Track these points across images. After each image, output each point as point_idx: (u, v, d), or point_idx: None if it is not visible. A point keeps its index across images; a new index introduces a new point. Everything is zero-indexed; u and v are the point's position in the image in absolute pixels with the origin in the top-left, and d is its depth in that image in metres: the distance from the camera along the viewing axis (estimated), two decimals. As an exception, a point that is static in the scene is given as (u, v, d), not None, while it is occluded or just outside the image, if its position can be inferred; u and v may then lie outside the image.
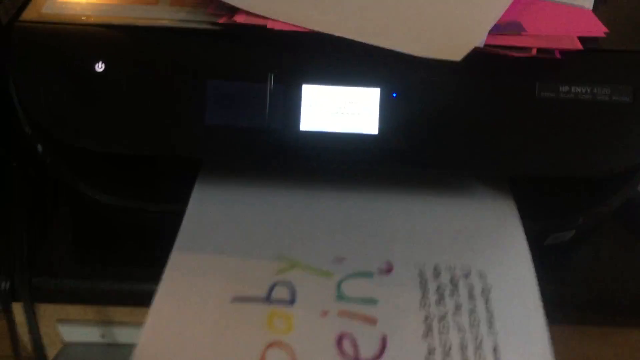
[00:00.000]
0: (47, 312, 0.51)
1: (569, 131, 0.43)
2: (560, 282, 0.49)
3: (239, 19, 0.42)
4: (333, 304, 0.38)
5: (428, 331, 0.37)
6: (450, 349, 0.36)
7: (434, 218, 0.45)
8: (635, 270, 0.50)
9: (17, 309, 0.49)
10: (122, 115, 0.42)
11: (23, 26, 0.42)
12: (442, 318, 0.38)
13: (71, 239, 0.51)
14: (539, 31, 0.43)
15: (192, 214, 0.44)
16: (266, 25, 0.42)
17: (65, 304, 0.50)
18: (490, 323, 0.37)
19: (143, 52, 0.42)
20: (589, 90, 0.42)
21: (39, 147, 0.44)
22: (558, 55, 0.41)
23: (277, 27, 0.42)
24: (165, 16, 0.44)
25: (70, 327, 0.52)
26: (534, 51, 0.41)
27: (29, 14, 0.43)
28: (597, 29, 0.44)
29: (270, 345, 0.36)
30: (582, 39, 0.43)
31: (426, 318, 0.38)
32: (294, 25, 0.42)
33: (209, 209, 0.45)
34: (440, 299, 0.39)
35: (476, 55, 0.40)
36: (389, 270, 0.40)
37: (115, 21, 0.43)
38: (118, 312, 0.51)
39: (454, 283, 0.39)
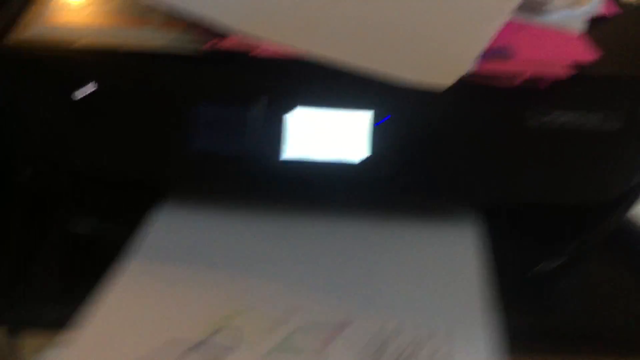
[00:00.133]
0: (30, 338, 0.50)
1: (559, 159, 0.42)
2: (547, 311, 0.48)
3: (226, 43, 0.42)
4: (278, 356, 0.36)
5: None
6: None
7: (403, 269, 0.43)
8: (625, 299, 0.49)
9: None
10: (103, 140, 0.42)
11: (8, 49, 0.42)
12: None
13: (55, 267, 0.50)
14: (528, 57, 0.43)
15: (146, 240, 0.42)
16: (253, 51, 0.41)
17: (49, 330, 0.49)
18: None
19: (126, 77, 0.42)
20: (579, 118, 0.42)
21: (27, 171, 0.44)
22: (545, 84, 0.41)
23: (264, 52, 0.41)
24: (151, 40, 0.43)
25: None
26: (521, 80, 0.40)
27: (14, 37, 0.43)
28: (588, 54, 0.43)
29: None
30: (572, 65, 0.42)
31: None
32: (280, 51, 0.41)
33: (163, 237, 0.43)
34: None
35: (465, 83, 0.39)
36: (345, 324, 0.38)
37: (98, 44, 0.43)
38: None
39: (415, 343, 0.37)
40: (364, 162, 0.42)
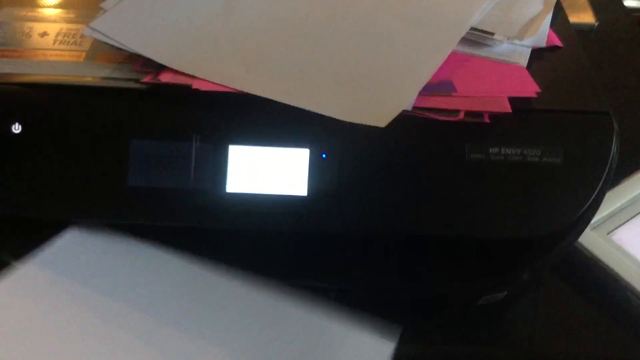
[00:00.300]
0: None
1: (500, 193, 0.42)
2: (498, 339, 0.48)
3: (164, 78, 0.41)
4: None
5: None
6: None
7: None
8: (576, 326, 0.50)
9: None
10: (39, 179, 0.40)
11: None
12: None
13: None
14: (470, 92, 0.43)
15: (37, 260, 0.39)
16: (191, 85, 0.41)
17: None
18: None
19: (62, 112, 0.41)
20: (519, 152, 0.42)
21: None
22: (487, 120, 0.41)
23: (203, 87, 0.41)
24: (89, 73, 0.43)
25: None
26: (462, 115, 0.40)
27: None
28: (529, 88, 0.43)
29: None
30: (513, 99, 0.42)
31: None
32: (219, 86, 0.41)
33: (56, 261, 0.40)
34: None
35: (406, 118, 0.39)
36: None
37: (36, 80, 0.42)
38: None
39: None
40: (306, 197, 0.41)
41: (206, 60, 0.43)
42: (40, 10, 0.49)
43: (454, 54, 0.45)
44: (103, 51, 0.44)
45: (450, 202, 0.42)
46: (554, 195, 0.42)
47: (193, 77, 0.41)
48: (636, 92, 0.70)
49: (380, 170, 0.42)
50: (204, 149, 0.41)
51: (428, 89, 0.42)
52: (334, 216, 0.42)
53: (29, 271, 0.39)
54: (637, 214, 0.57)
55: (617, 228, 0.55)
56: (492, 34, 0.46)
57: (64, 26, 0.46)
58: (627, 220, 0.56)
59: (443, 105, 0.41)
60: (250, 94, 0.40)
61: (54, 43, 0.45)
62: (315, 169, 0.41)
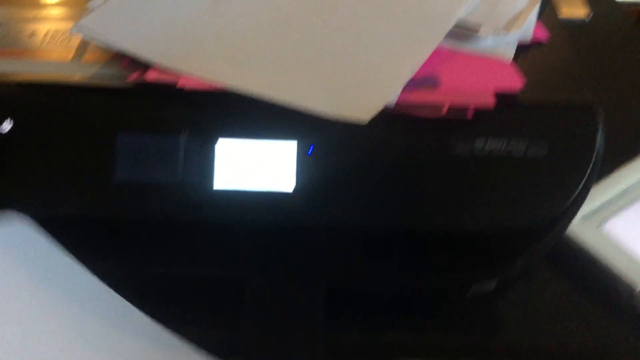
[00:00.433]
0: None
1: (486, 186, 0.42)
2: (489, 331, 0.48)
3: (150, 75, 0.42)
4: None
5: None
6: None
7: None
8: (566, 316, 0.50)
9: None
10: (29, 177, 0.41)
11: None
12: None
13: None
14: (454, 86, 0.43)
15: None
16: (177, 83, 0.41)
17: None
18: None
19: (50, 110, 0.41)
20: (503, 146, 0.42)
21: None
22: (470, 115, 0.41)
23: (188, 84, 0.41)
24: (77, 72, 0.43)
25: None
26: (444, 111, 0.41)
27: None
28: (514, 82, 0.44)
29: None
30: (498, 93, 0.42)
31: None
32: (204, 83, 0.41)
33: None
34: None
35: (390, 113, 0.40)
36: None
37: (24, 78, 0.42)
38: None
39: None
40: (293, 192, 0.42)
41: (192, 57, 0.43)
42: (28, 10, 0.49)
43: (439, 48, 0.45)
44: (91, 50, 0.45)
45: (437, 196, 0.42)
46: (540, 187, 0.43)
47: (179, 75, 0.42)
48: (628, 85, 0.70)
49: (366, 164, 0.42)
50: (190, 144, 0.41)
51: (413, 84, 0.42)
52: (321, 211, 0.42)
53: None
54: (628, 205, 0.57)
55: (608, 219, 0.55)
56: (478, 28, 0.47)
57: (52, 26, 0.47)
58: (618, 211, 0.56)
59: (427, 100, 0.41)
60: (234, 91, 0.40)
61: (42, 43, 0.45)
62: (301, 163, 0.42)
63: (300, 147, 0.42)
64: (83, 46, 0.45)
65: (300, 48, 0.44)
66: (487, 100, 0.42)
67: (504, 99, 0.42)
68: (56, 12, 0.49)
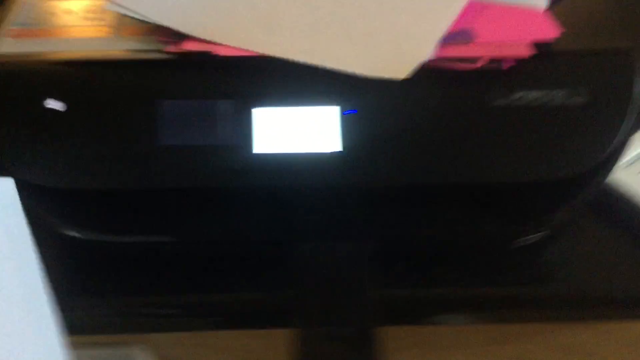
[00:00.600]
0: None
1: (525, 137, 0.43)
2: (536, 281, 0.49)
3: (187, 46, 0.42)
4: None
5: None
6: None
7: None
8: (612, 264, 0.50)
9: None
10: (77, 150, 0.42)
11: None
12: None
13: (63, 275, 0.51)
14: (489, 38, 0.43)
15: None
16: (214, 52, 0.42)
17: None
18: None
19: (94, 86, 0.42)
20: (541, 95, 0.42)
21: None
22: (507, 65, 0.41)
23: (225, 52, 0.42)
24: (115, 47, 0.44)
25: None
26: (482, 62, 0.41)
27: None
28: (550, 31, 0.43)
29: None
30: (534, 43, 0.42)
31: None
32: (240, 50, 0.42)
33: None
34: None
35: (428, 69, 0.40)
36: None
37: (65, 56, 0.43)
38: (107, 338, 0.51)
39: None
40: (336, 155, 0.42)
41: (226, 26, 0.43)
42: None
43: (471, 1, 0.45)
44: (127, 24, 0.45)
45: (477, 149, 0.43)
46: (579, 136, 0.43)
47: (215, 43, 0.42)
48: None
49: (407, 122, 0.42)
50: (233, 110, 0.42)
51: (447, 39, 0.42)
52: (364, 170, 0.43)
53: None
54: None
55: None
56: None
57: (87, 3, 0.48)
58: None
59: (463, 54, 0.42)
60: (270, 56, 0.41)
61: (79, 20, 0.46)
62: (343, 125, 0.42)
63: (342, 111, 0.42)
64: (117, 21, 0.46)
65: (333, 11, 0.44)
66: (523, 50, 0.42)
67: (539, 49, 0.42)
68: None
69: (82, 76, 0.43)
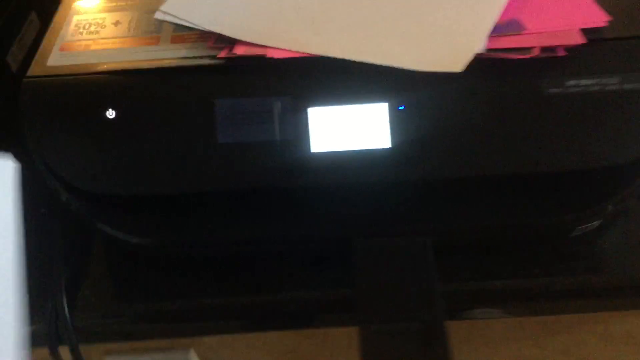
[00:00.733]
0: (93, 347, 0.52)
1: (582, 124, 0.42)
2: (590, 270, 0.49)
3: (239, 50, 0.43)
4: None
5: None
6: None
7: None
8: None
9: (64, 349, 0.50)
10: (137, 157, 0.43)
11: (31, 83, 0.43)
12: None
13: (109, 281, 0.51)
14: (539, 28, 0.43)
15: None
16: (265, 55, 0.42)
17: (109, 342, 0.51)
18: None
19: (150, 94, 0.43)
20: (596, 82, 0.42)
21: (63, 197, 0.45)
22: (561, 53, 0.41)
23: (277, 55, 0.42)
24: (167, 56, 0.44)
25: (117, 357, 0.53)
26: (536, 51, 0.41)
27: (35, 69, 0.44)
28: (599, 18, 0.43)
29: None
30: (584, 30, 0.42)
31: None
32: (292, 52, 0.42)
33: None
34: None
35: (479, 61, 0.40)
36: None
37: (119, 67, 0.44)
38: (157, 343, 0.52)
39: None
40: (391, 150, 0.42)
41: (275, 29, 0.44)
42: (104, 2, 0.51)
43: (517, -8, 0.45)
44: (176, 33, 0.46)
45: (533, 138, 0.42)
46: (634, 122, 0.42)
47: (265, 46, 0.43)
48: None
49: (460, 114, 0.42)
50: (286, 110, 0.42)
51: (497, 30, 0.42)
52: (421, 163, 0.43)
53: None
54: None
55: None
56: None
57: (134, 13, 0.48)
58: None
59: (515, 44, 0.41)
60: (324, 56, 0.41)
61: (128, 30, 0.47)
62: (395, 121, 0.42)
63: (392, 108, 0.42)
64: (168, 30, 0.46)
65: (381, 8, 0.45)
66: (575, 38, 0.42)
67: (590, 36, 0.42)
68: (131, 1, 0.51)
69: (136, 85, 0.43)
